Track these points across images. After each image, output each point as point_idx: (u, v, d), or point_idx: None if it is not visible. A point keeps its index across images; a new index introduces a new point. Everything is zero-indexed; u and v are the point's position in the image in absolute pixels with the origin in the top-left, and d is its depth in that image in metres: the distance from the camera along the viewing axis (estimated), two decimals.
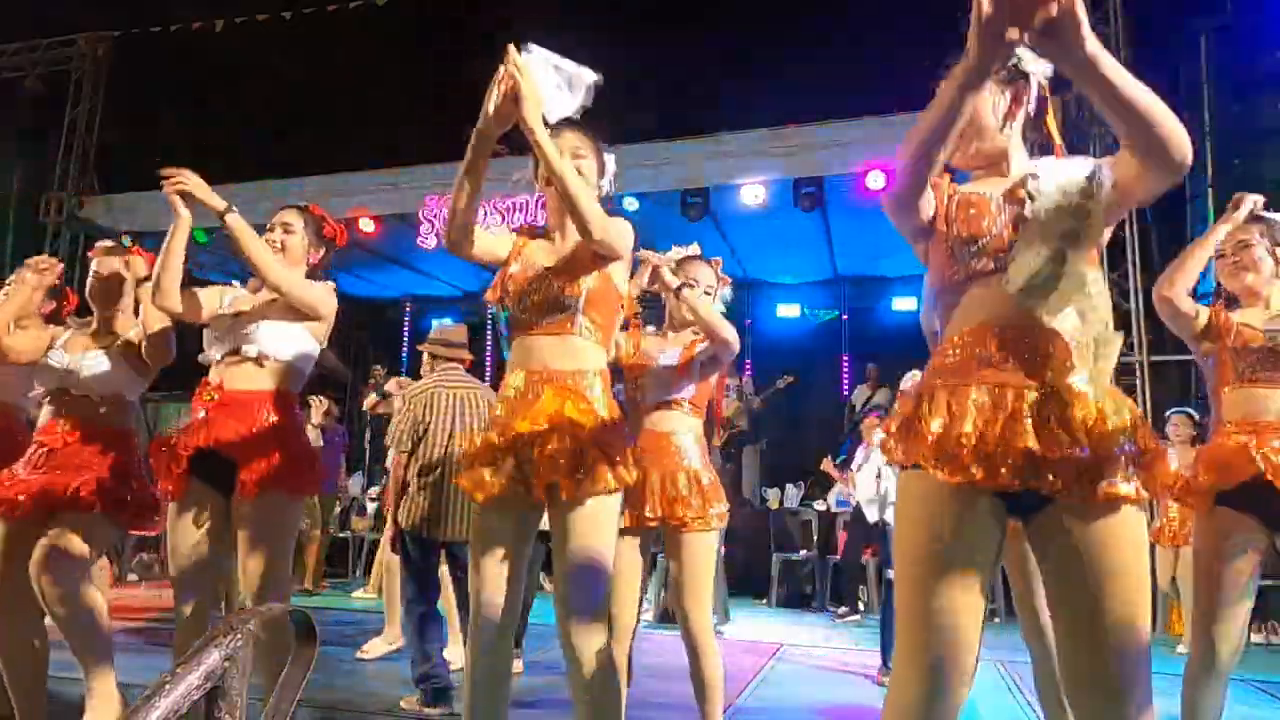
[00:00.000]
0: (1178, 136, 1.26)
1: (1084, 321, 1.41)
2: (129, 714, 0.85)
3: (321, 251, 2.65)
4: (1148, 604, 1.36)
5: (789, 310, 10.63)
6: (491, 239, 2.08)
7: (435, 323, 4.58)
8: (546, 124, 1.84)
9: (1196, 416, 5.47)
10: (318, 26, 8.96)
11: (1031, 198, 1.47)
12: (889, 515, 4.48)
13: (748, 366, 9.60)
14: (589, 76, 1.90)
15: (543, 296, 2.00)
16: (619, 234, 1.94)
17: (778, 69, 10.41)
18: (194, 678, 0.92)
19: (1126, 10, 6.91)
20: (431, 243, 7.98)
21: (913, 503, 1.46)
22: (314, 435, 6.49)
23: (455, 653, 4.04)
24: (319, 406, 6.97)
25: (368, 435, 9.15)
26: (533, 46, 1.84)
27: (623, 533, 2.57)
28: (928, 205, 1.54)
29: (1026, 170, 1.55)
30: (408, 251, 8.91)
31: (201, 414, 2.40)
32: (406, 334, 11.52)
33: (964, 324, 1.50)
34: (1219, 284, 2.57)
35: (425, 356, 4.08)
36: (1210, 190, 7.50)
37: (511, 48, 1.79)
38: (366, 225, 8.29)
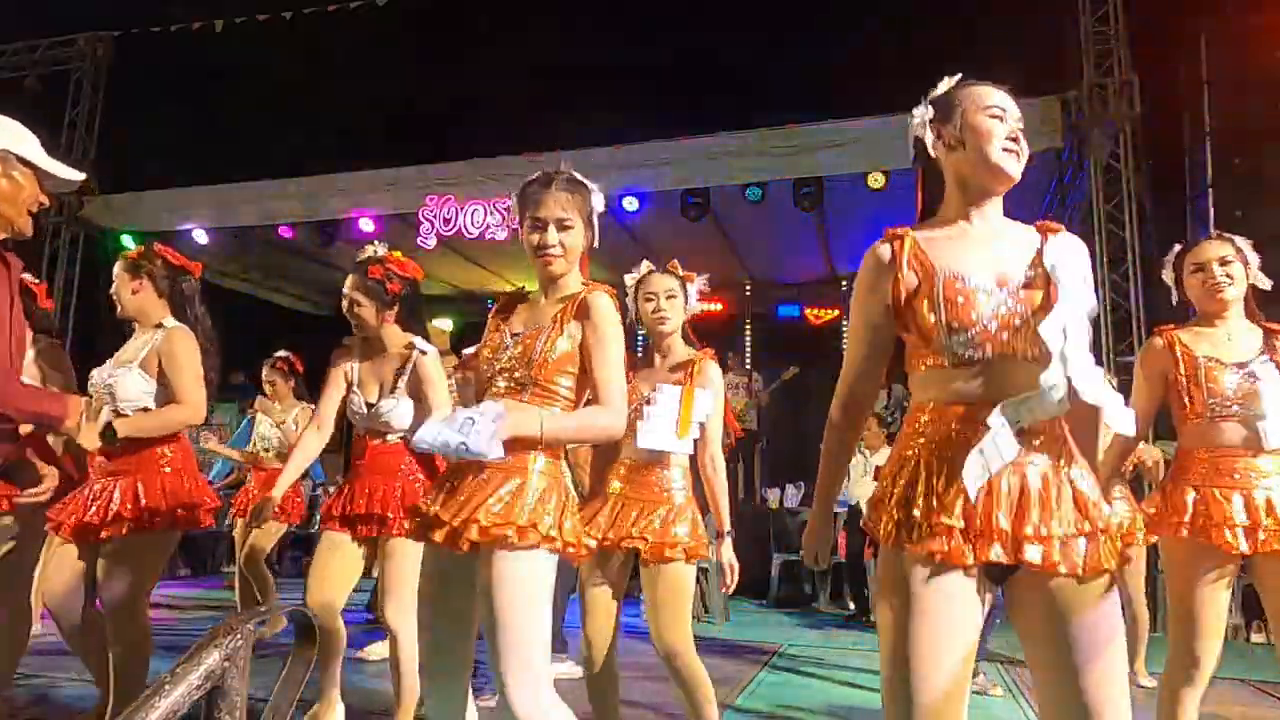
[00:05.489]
0: None
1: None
2: (129, 713, 0.85)
3: (395, 309, 2.83)
4: (1125, 660, 1.42)
5: (789, 310, 10.63)
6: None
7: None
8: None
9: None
10: (318, 26, 8.95)
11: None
12: None
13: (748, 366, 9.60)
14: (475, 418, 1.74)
15: (505, 365, 1.90)
16: (619, 403, 1.85)
17: (778, 69, 10.41)
18: (194, 678, 0.92)
19: (1127, 10, 6.91)
20: (431, 243, 7.97)
21: (897, 580, 1.46)
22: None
23: None
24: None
25: None
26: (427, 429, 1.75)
27: (600, 557, 2.51)
28: (902, 282, 1.52)
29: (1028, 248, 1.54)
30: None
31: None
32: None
33: (939, 398, 1.51)
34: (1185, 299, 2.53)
35: None
36: (1210, 190, 7.49)
37: None
38: (366, 225, 8.28)
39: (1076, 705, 1.39)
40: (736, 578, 2.70)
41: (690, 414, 2.54)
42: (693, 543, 2.54)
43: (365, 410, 2.81)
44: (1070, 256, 1.51)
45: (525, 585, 1.77)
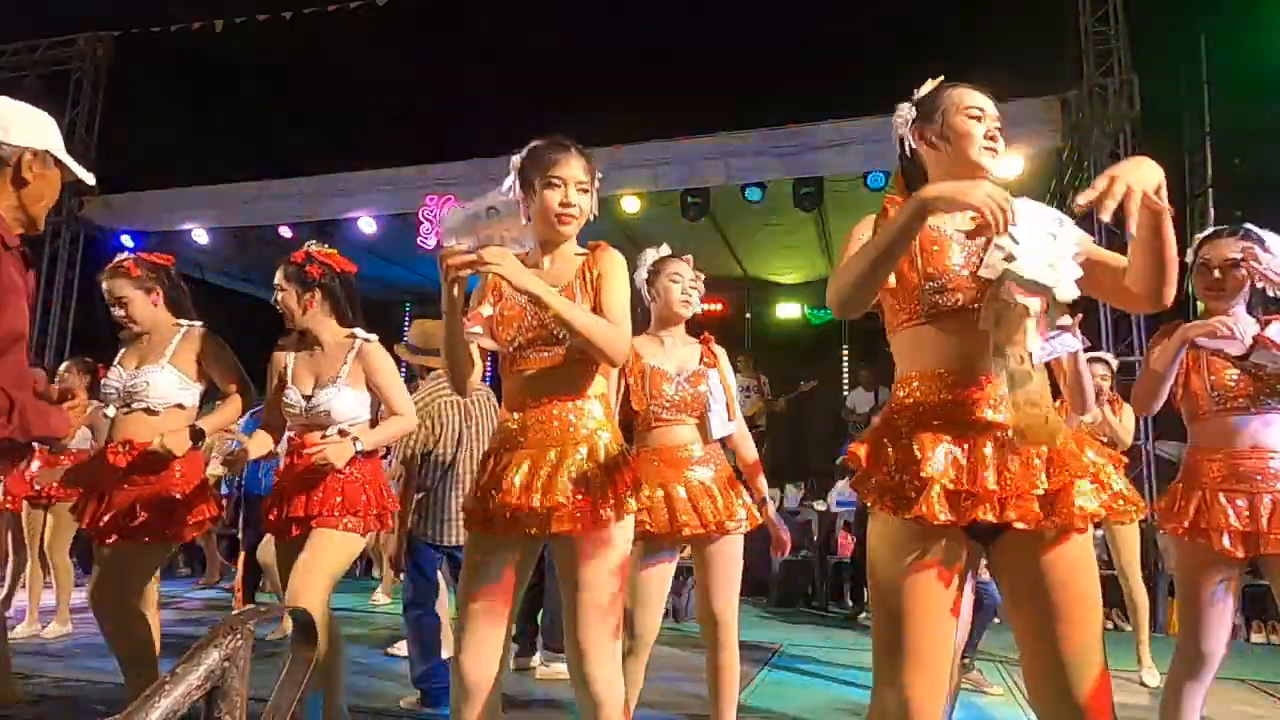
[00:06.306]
0: (1173, 291, 1.54)
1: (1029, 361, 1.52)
2: (128, 713, 0.85)
3: (315, 294, 2.71)
4: (1100, 618, 1.49)
5: (789, 310, 10.63)
6: (479, 332, 1.92)
7: (414, 324, 4.50)
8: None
9: (1113, 363, 4.67)
10: (318, 26, 8.95)
11: (1009, 256, 1.49)
12: None
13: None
14: (500, 197, 1.76)
15: (535, 333, 1.89)
16: (626, 330, 1.88)
17: (778, 69, 10.40)
18: (194, 678, 0.92)
19: (1127, 10, 6.91)
20: (431, 243, 7.97)
21: (881, 540, 1.54)
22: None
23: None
24: None
25: None
26: (449, 214, 1.72)
27: (655, 544, 2.56)
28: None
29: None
30: (408, 251, 8.91)
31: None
32: (406, 334, 11.50)
33: (921, 364, 1.57)
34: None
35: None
36: (1210, 190, 7.49)
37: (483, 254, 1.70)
38: (366, 225, 8.28)
39: (1054, 660, 1.46)
40: (789, 541, 2.85)
41: (733, 395, 2.71)
42: (745, 512, 2.66)
43: (303, 403, 2.66)
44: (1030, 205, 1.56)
45: (619, 555, 1.87)
